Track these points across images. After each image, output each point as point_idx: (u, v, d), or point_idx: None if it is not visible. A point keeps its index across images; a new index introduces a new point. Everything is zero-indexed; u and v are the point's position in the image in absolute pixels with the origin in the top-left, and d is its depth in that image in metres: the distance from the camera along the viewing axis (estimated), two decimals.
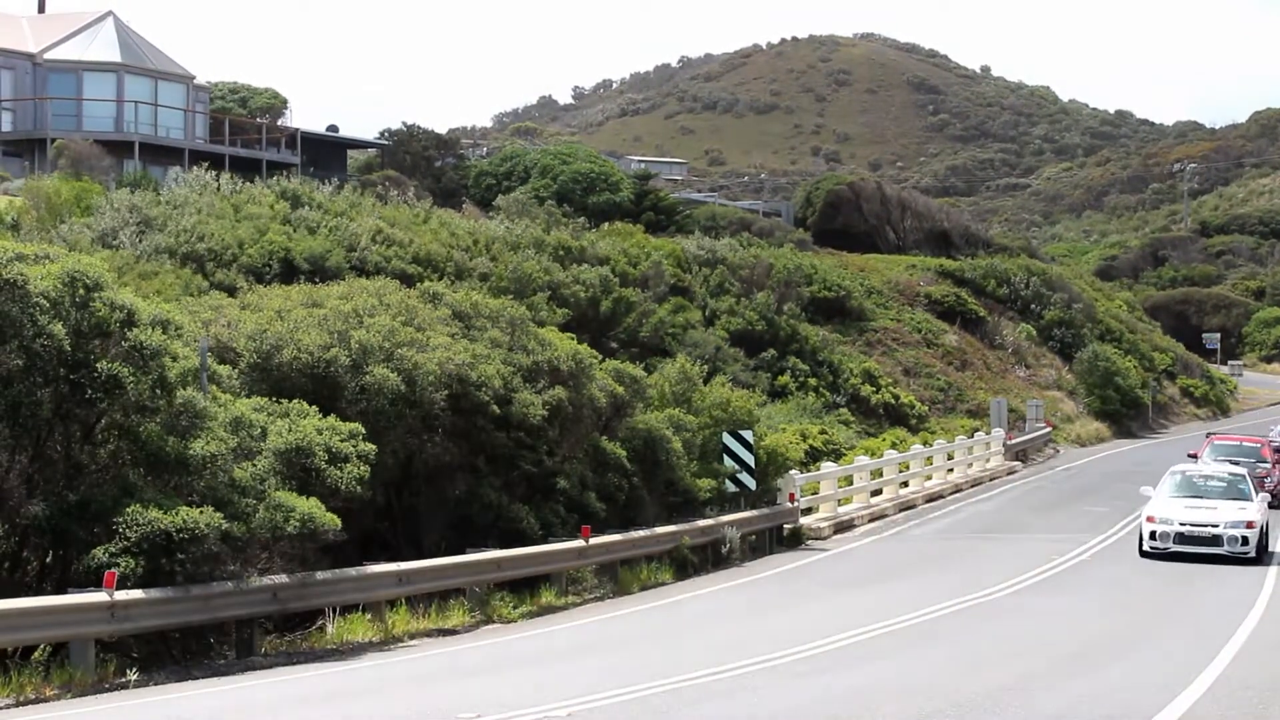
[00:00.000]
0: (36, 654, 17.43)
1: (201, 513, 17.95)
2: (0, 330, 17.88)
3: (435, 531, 24.68)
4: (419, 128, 77.78)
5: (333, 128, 75.69)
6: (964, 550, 30.24)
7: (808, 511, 35.72)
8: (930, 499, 42.68)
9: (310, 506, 19.22)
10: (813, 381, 51.23)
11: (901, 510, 40.33)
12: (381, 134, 78.80)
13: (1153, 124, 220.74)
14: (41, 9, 63.97)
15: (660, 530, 28.27)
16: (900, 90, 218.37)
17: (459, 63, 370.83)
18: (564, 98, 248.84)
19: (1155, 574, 26.71)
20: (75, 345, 18.20)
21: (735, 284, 53.83)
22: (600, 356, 30.39)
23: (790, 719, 12.78)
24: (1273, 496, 39.51)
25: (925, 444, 46.93)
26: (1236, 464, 38.17)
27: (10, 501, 18.16)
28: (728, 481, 31.46)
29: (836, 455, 42.74)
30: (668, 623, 22.28)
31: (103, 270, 19.19)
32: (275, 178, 44.59)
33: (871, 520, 38.01)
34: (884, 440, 47.53)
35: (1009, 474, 49.89)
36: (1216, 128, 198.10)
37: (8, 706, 15.63)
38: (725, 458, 31.62)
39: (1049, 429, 59.49)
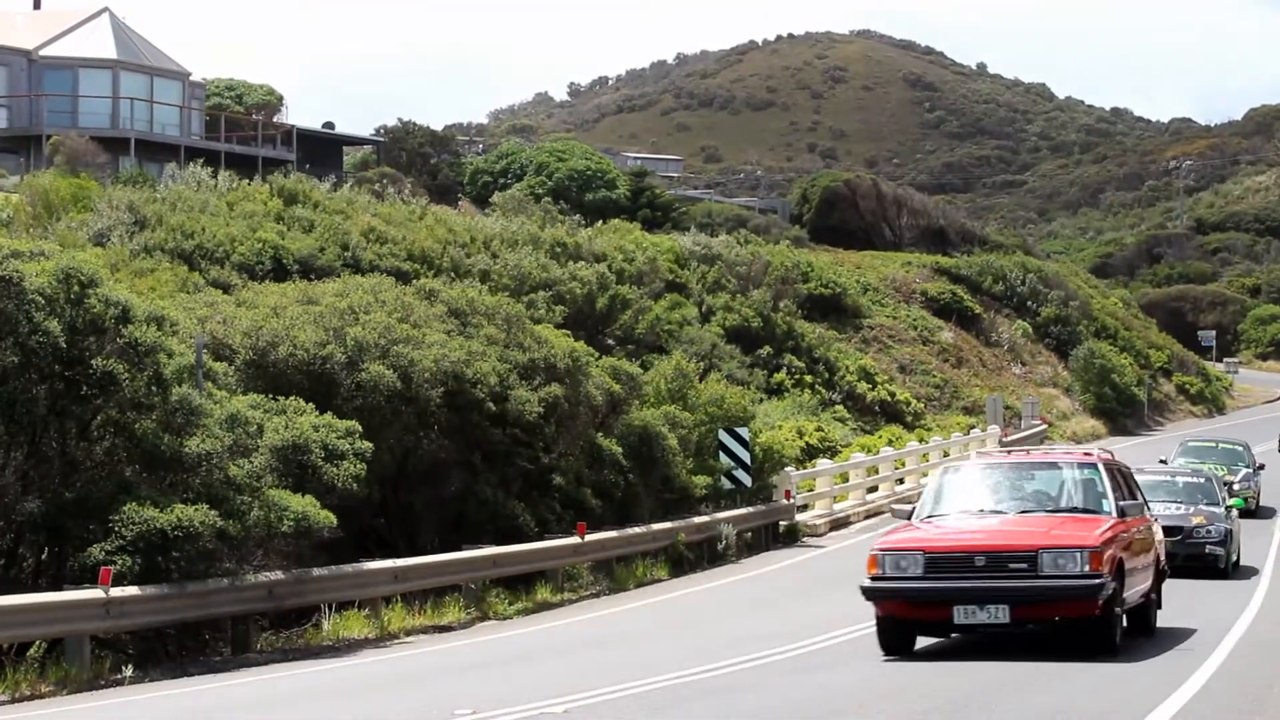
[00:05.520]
0: (32, 651, 17.44)
1: (197, 510, 17.96)
2: None
3: (431, 528, 24.68)
4: (415, 125, 77.81)
5: (329, 124, 75.66)
6: None
7: (804, 508, 35.74)
8: None
9: (305, 505, 19.23)
10: (809, 378, 51.26)
11: None
12: (377, 131, 78.80)
13: (1149, 121, 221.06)
14: (37, 5, 63.90)
15: (656, 527, 28.29)
16: (896, 87, 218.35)
17: (455, 60, 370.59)
18: (560, 94, 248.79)
19: None
20: (70, 342, 18.22)
21: (732, 281, 53.84)
22: (596, 353, 30.42)
23: (784, 716, 12.79)
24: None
25: (921, 441, 46.94)
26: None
27: (6, 498, 18.17)
28: (723, 478, 31.48)
29: (832, 452, 42.78)
30: (663, 619, 22.29)
31: (97, 267, 19.21)
32: (274, 174, 44.57)
33: (867, 517, 38.04)
34: (880, 437, 47.56)
35: None
36: (1212, 125, 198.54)
37: (4, 703, 15.64)
38: (721, 455, 31.63)
39: (1044, 426, 59.54)
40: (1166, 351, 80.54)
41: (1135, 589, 16.63)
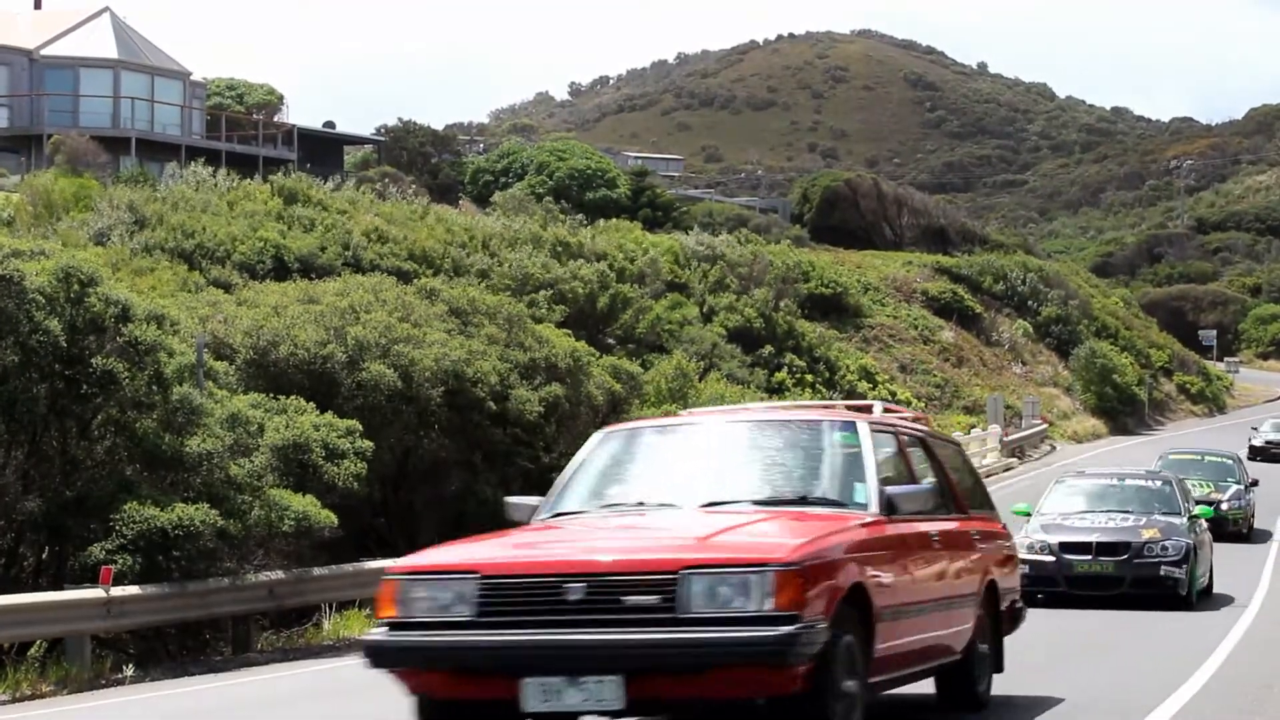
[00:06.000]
0: (33, 650, 17.43)
1: (198, 509, 17.96)
2: None
3: (431, 528, 24.67)
4: (416, 124, 77.85)
5: (329, 124, 75.70)
6: None
7: None
8: None
9: (306, 505, 19.24)
10: (809, 378, 51.25)
11: None
12: (378, 130, 78.80)
13: (1149, 121, 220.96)
14: (38, 5, 63.93)
15: None
16: (897, 87, 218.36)
17: (455, 60, 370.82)
18: (561, 94, 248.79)
19: None
20: (70, 341, 18.22)
21: (734, 281, 53.83)
22: (597, 353, 30.40)
23: None
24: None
25: None
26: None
27: (6, 497, 18.17)
28: None
29: None
30: None
31: (97, 266, 19.23)
32: (277, 173, 44.58)
33: None
34: None
35: (1006, 470, 49.90)
36: (1213, 124, 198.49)
37: (4, 703, 15.63)
38: None
39: (1045, 425, 59.55)
40: (1167, 351, 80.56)
41: (919, 637, 10.03)
